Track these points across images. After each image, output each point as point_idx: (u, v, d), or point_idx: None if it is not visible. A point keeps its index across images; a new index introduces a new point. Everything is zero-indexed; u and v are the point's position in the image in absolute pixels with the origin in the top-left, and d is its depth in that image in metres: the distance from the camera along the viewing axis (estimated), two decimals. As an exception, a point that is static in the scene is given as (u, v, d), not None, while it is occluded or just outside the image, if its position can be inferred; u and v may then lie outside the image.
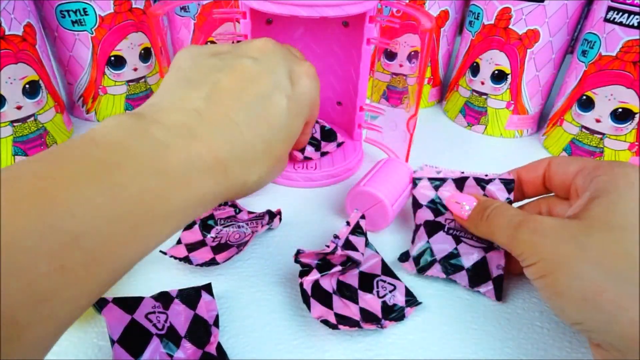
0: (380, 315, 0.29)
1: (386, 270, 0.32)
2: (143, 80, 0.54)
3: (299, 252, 0.29)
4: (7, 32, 0.40)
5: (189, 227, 0.35)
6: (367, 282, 0.31)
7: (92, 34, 0.48)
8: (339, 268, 0.29)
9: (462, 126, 0.56)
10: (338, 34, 0.43)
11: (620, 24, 0.41)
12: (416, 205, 0.35)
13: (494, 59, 0.50)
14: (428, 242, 0.33)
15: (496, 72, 0.51)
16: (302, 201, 0.40)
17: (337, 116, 0.49)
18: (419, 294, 0.31)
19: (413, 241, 0.34)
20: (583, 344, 0.28)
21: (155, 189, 0.19)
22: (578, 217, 0.24)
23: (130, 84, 0.53)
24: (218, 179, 0.22)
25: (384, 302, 0.30)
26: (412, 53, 0.55)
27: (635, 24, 0.40)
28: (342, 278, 0.31)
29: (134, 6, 0.50)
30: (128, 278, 0.32)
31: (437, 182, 0.34)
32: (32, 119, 0.44)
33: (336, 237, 0.30)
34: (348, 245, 0.30)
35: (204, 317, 0.28)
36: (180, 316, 0.27)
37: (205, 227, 0.35)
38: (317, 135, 0.44)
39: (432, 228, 0.33)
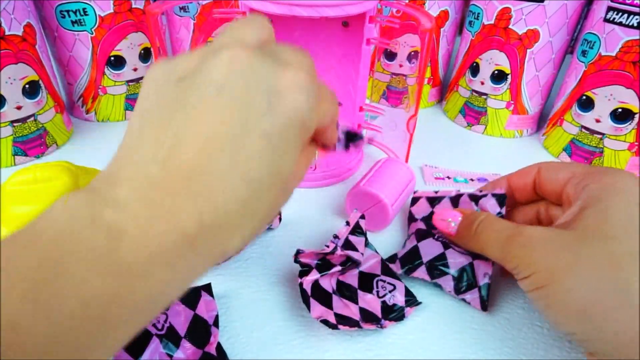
0: (380, 315, 0.29)
1: (386, 270, 0.32)
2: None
3: (298, 252, 0.29)
4: (7, 32, 0.40)
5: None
6: (366, 282, 0.31)
7: (92, 34, 0.48)
8: (338, 268, 0.29)
9: (462, 126, 0.56)
10: (338, 34, 0.43)
11: (620, 24, 0.41)
12: (412, 219, 0.36)
13: (494, 59, 0.50)
14: (416, 245, 0.33)
15: (496, 72, 0.51)
16: (302, 201, 0.40)
17: (337, 116, 0.49)
18: (419, 293, 0.31)
19: (404, 247, 0.34)
20: (583, 344, 0.28)
21: (109, 291, 0.15)
22: (570, 226, 0.24)
23: (130, 84, 0.53)
24: (187, 259, 0.18)
25: (383, 302, 0.30)
26: (412, 53, 0.55)
27: (635, 24, 0.40)
28: (341, 278, 0.31)
29: (133, 6, 0.50)
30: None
31: (435, 202, 0.35)
32: (32, 119, 0.44)
33: (336, 237, 0.30)
34: (348, 245, 0.30)
35: (204, 317, 0.28)
36: (179, 316, 0.27)
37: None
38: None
39: (422, 235, 0.34)
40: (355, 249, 0.30)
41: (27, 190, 0.31)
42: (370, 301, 0.30)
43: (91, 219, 0.16)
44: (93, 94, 0.52)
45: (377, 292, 0.31)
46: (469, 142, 0.53)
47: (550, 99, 0.55)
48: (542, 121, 0.56)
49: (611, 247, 0.22)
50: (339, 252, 0.29)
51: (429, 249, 0.32)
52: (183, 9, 0.51)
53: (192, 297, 0.29)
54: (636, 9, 0.40)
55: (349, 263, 0.30)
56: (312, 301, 0.28)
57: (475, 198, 0.34)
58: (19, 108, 0.43)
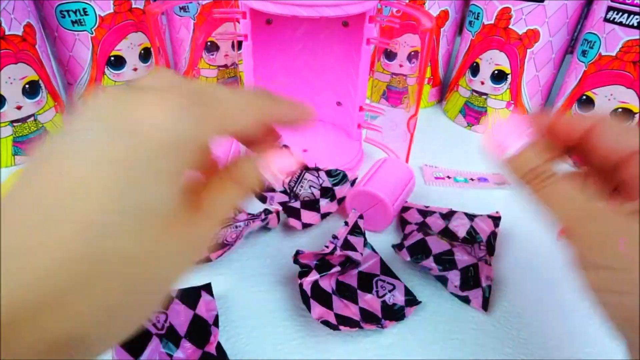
0: (380, 315, 0.29)
1: (385, 269, 0.32)
2: (143, 80, 0.54)
3: (298, 253, 0.29)
4: (7, 32, 0.40)
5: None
6: (366, 282, 0.31)
7: (92, 34, 0.48)
8: (338, 268, 0.29)
9: (462, 126, 0.56)
10: (338, 34, 0.43)
11: (620, 24, 0.41)
12: (405, 222, 0.37)
13: (494, 59, 0.50)
14: (424, 238, 0.33)
15: (496, 72, 0.51)
16: (302, 201, 0.40)
17: (337, 116, 0.49)
18: (419, 293, 0.31)
19: (407, 239, 0.34)
20: (584, 344, 0.28)
21: None
22: None
23: (130, 84, 0.53)
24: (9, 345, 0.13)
25: (383, 302, 0.30)
26: (412, 53, 0.55)
27: (635, 24, 0.40)
28: (341, 278, 0.31)
29: (133, 6, 0.50)
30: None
31: (426, 214, 0.37)
32: (32, 119, 0.44)
33: (335, 237, 0.30)
34: (347, 245, 0.30)
35: (204, 316, 0.28)
36: (179, 316, 0.27)
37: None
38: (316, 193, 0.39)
39: (426, 233, 0.34)
40: (354, 249, 0.30)
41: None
42: (370, 301, 0.30)
43: None
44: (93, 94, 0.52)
45: (377, 291, 0.31)
46: (469, 142, 0.53)
47: (551, 98, 0.55)
48: (542, 121, 0.56)
49: None
50: (338, 252, 0.29)
51: (436, 244, 0.33)
52: (183, 8, 0.51)
53: (192, 297, 0.29)
54: (636, 9, 0.40)
55: (348, 263, 0.30)
56: (312, 302, 0.28)
57: (469, 215, 0.36)
58: (19, 108, 0.43)
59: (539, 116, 0.25)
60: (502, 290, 0.32)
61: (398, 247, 0.33)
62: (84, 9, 0.46)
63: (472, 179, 0.45)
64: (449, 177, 0.45)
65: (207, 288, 0.29)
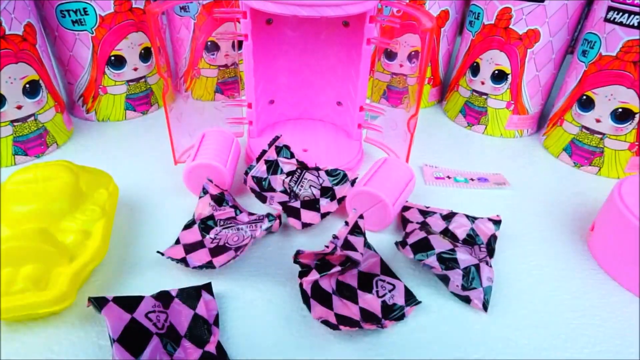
0: (380, 315, 0.29)
1: (385, 269, 0.32)
2: (143, 80, 0.54)
3: (298, 253, 0.29)
4: (7, 32, 0.40)
5: (188, 226, 0.35)
6: (366, 281, 0.31)
7: (93, 33, 0.48)
8: (338, 268, 0.29)
9: (462, 126, 0.56)
10: (338, 34, 0.43)
11: (621, 24, 0.41)
12: (406, 221, 0.37)
13: (494, 59, 0.50)
14: (427, 237, 0.33)
15: (496, 72, 0.51)
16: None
17: (337, 116, 0.49)
18: (419, 293, 0.31)
19: (409, 237, 0.34)
20: (584, 344, 0.28)
21: None
22: None
23: (130, 83, 0.53)
24: None
25: (383, 302, 0.30)
26: (412, 53, 0.55)
27: (635, 24, 0.40)
28: (341, 278, 0.31)
29: (134, 6, 0.50)
30: (128, 278, 0.32)
31: (427, 214, 0.38)
32: (32, 118, 0.44)
33: (335, 237, 0.30)
34: (347, 245, 0.30)
35: (204, 316, 0.28)
36: (180, 315, 0.27)
37: (205, 227, 0.35)
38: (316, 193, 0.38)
39: (428, 231, 0.34)
40: (354, 249, 0.30)
41: (28, 190, 0.31)
42: (370, 301, 0.30)
43: None
44: (93, 93, 0.52)
45: (377, 291, 0.31)
46: (469, 142, 0.53)
47: (551, 98, 0.55)
48: (542, 121, 0.56)
49: None
50: (338, 252, 0.29)
51: (439, 242, 0.33)
52: (183, 8, 0.51)
53: (192, 297, 0.29)
54: (636, 9, 0.40)
55: (349, 263, 0.30)
56: (313, 302, 0.28)
57: (470, 217, 0.36)
58: (19, 107, 0.43)
59: None
60: (502, 290, 0.32)
61: (401, 244, 0.33)
62: (84, 8, 0.46)
63: (472, 179, 0.45)
64: (449, 177, 0.45)
65: (208, 288, 0.29)
